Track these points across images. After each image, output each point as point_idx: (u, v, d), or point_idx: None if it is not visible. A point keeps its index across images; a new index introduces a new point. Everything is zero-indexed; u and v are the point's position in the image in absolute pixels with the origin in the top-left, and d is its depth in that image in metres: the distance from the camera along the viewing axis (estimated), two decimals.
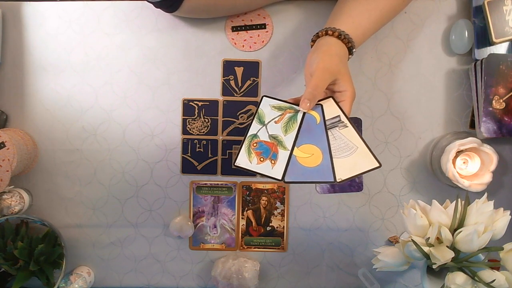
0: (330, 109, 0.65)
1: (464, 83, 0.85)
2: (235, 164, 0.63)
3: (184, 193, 0.87)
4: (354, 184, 0.85)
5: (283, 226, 0.87)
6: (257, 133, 0.65)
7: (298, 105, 0.65)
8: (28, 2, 0.84)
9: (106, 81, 0.85)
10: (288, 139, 0.64)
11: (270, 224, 0.87)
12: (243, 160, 0.63)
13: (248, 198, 0.86)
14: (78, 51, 0.85)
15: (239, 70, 0.85)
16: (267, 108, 0.66)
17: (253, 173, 0.85)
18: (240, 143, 0.65)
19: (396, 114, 0.85)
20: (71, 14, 0.85)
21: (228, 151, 0.86)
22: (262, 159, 0.63)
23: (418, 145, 0.86)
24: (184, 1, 0.76)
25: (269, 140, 0.64)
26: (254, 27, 0.85)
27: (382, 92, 0.85)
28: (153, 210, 0.87)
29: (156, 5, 0.78)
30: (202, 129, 0.86)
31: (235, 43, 0.85)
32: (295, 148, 0.63)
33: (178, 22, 0.85)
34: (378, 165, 0.62)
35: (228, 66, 0.85)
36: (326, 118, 0.64)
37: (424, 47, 0.85)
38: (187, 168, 0.86)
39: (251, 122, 0.66)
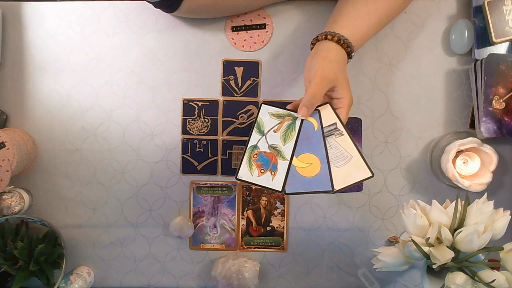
0: (327, 116, 0.66)
1: (464, 83, 0.85)
2: (237, 177, 0.66)
3: (184, 193, 0.87)
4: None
5: (283, 226, 0.87)
6: (257, 143, 0.66)
7: (296, 111, 0.66)
8: (28, 2, 0.84)
9: (106, 81, 0.85)
10: (287, 149, 0.65)
11: (270, 224, 0.87)
12: (244, 172, 0.66)
13: (248, 198, 0.86)
14: (78, 51, 0.85)
15: (239, 70, 0.85)
16: (266, 116, 0.68)
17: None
18: (242, 154, 0.66)
19: (396, 114, 0.85)
20: (71, 14, 0.85)
21: (228, 151, 0.86)
22: (262, 170, 0.65)
23: (418, 145, 0.86)
24: (184, 1, 0.76)
25: (268, 151, 0.66)
26: (254, 27, 0.85)
27: (382, 92, 0.85)
28: (153, 210, 0.87)
29: (156, 5, 0.78)
30: (202, 129, 0.86)
31: (235, 43, 0.85)
32: (294, 157, 0.65)
33: (178, 22, 0.85)
34: (370, 175, 0.64)
35: (228, 66, 0.85)
36: (323, 126, 0.66)
37: (424, 47, 0.85)
38: (187, 168, 0.86)
39: (251, 132, 0.67)
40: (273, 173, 0.65)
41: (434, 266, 0.65)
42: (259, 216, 0.87)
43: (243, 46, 0.85)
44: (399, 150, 0.86)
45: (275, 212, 0.87)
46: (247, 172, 0.66)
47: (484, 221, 0.65)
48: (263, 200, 0.86)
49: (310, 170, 0.64)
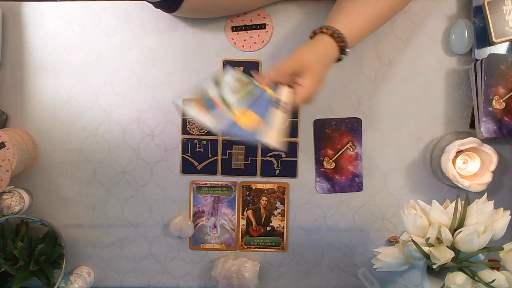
0: (284, 94, 0.68)
1: (464, 83, 0.85)
2: (175, 102, 0.70)
3: (184, 193, 0.87)
4: (354, 184, 0.85)
5: (283, 226, 0.87)
6: (209, 90, 0.69)
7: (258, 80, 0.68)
8: (28, 2, 0.84)
9: (106, 81, 0.85)
10: (235, 103, 0.68)
11: (270, 224, 0.87)
12: (189, 107, 0.68)
13: (248, 198, 0.86)
14: (78, 51, 0.85)
15: (239, 70, 0.85)
16: (228, 76, 0.70)
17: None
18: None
19: (396, 114, 0.85)
20: (71, 14, 0.85)
21: (228, 151, 0.86)
22: (206, 110, 0.68)
23: (418, 145, 0.86)
24: (184, 1, 0.76)
25: (216, 99, 0.69)
26: (254, 27, 0.85)
27: (382, 92, 0.85)
28: (153, 210, 0.87)
29: (156, 5, 0.78)
30: (202, 129, 0.86)
31: (235, 43, 0.85)
32: (237, 109, 0.67)
33: (178, 22, 0.85)
34: (277, 146, 0.66)
35: (228, 66, 0.85)
36: (277, 98, 0.68)
37: (424, 47, 0.85)
38: (187, 168, 0.86)
39: (209, 80, 0.70)
40: (214, 116, 0.67)
41: (434, 266, 0.65)
42: (259, 216, 0.87)
43: (243, 46, 0.85)
44: (399, 150, 0.86)
45: (275, 212, 0.87)
46: (191, 107, 0.68)
47: (484, 221, 0.65)
48: (263, 200, 0.86)
49: (250, 124, 0.67)
